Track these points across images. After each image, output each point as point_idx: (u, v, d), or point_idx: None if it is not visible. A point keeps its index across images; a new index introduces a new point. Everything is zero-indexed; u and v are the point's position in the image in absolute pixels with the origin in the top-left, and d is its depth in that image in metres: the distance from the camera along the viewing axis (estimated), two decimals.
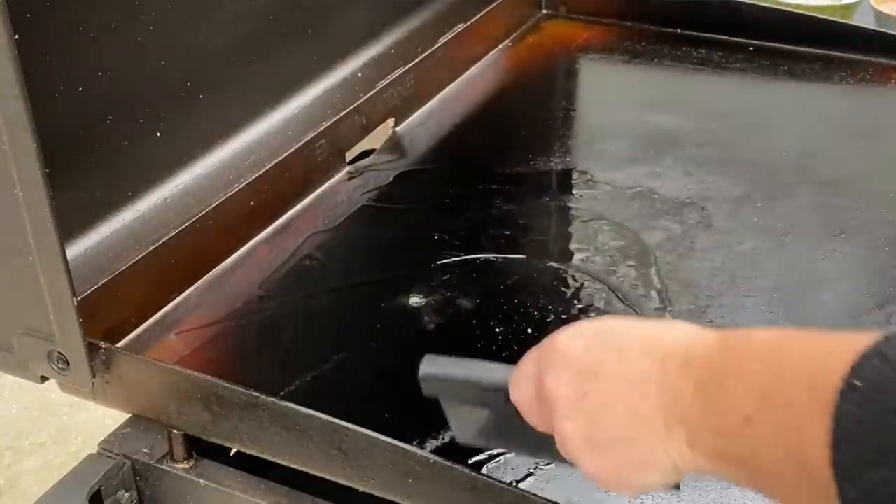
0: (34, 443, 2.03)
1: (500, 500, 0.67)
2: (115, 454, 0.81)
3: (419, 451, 0.69)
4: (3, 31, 0.63)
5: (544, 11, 1.49)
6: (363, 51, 1.20)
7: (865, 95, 1.30)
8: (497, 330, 0.90)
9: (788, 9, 1.50)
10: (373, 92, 1.16)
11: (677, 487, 0.56)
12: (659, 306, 0.93)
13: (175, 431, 0.79)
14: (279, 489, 0.78)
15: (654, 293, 0.95)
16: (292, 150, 1.05)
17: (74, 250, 0.84)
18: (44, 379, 0.80)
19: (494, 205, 1.07)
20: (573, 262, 0.99)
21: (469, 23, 1.32)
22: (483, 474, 0.71)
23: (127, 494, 0.81)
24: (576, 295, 0.95)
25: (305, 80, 1.11)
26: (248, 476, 0.79)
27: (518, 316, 0.92)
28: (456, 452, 0.70)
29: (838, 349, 0.44)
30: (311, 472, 0.74)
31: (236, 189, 0.98)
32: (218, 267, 0.97)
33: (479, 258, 0.99)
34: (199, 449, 0.80)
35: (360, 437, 0.70)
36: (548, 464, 0.77)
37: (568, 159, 1.17)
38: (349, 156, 1.14)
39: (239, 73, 1.01)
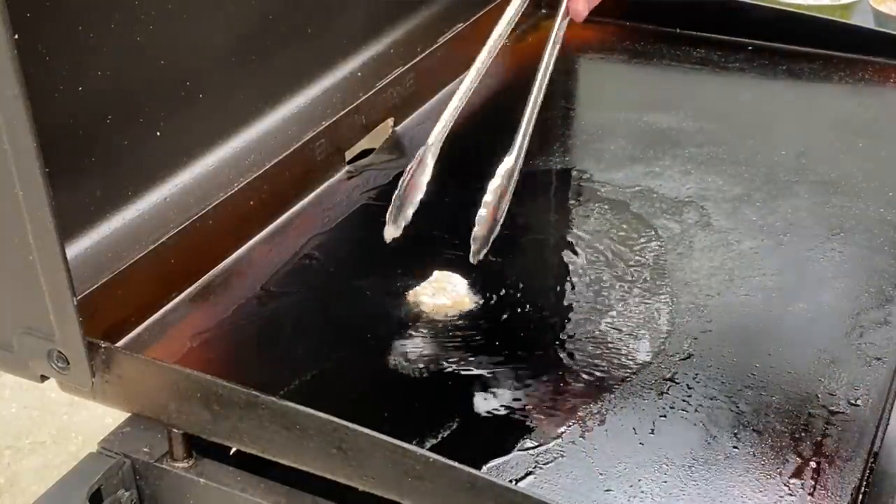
0: (34, 442, 2.03)
1: (499, 500, 0.67)
2: (115, 453, 0.81)
3: (419, 451, 0.69)
4: (3, 31, 0.63)
5: (543, 11, 1.49)
6: (363, 50, 1.20)
7: (865, 95, 1.30)
8: (497, 329, 0.91)
9: (788, 8, 1.50)
10: (372, 91, 1.16)
11: None
12: (663, 300, 0.93)
13: (175, 430, 0.79)
14: (279, 488, 0.78)
15: (658, 288, 0.95)
16: (292, 149, 1.05)
17: (74, 250, 0.84)
18: (44, 378, 0.80)
19: None
20: (573, 261, 1.00)
21: (468, 22, 1.32)
22: (483, 473, 0.71)
23: (127, 493, 0.81)
24: (576, 294, 0.95)
25: (305, 79, 1.12)
26: (247, 475, 0.79)
27: (518, 316, 0.93)
28: (456, 452, 0.70)
29: None
30: (311, 471, 0.74)
31: (236, 188, 0.98)
32: (218, 266, 0.97)
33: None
34: (199, 448, 0.80)
35: (360, 436, 0.70)
36: (547, 463, 0.77)
37: (567, 159, 1.17)
38: (349, 155, 1.14)
39: (239, 73, 1.01)
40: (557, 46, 0.99)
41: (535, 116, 0.96)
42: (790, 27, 1.36)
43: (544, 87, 0.98)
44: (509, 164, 0.92)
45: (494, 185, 0.92)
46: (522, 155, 0.94)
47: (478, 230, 0.91)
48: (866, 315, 0.92)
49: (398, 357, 0.88)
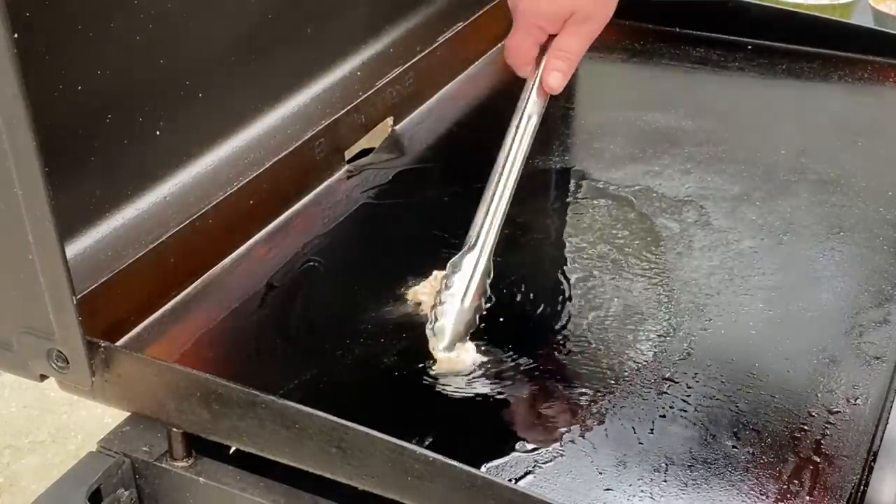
0: (34, 441, 2.03)
1: (499, 499, 0.67)
2: (115, 452, 0.81)
3: (418, 450, 0.69)
4: (3, 30, 0.63)
5: None
6: (362, 50, 1.20)
7: (864, 94, 1.30)
8: (496, 329, 0.91)
9: (787, 7, 1.50)
10: (372, 91, 1.16)
11: None
12: (662, 300, 0.93)
13: (174, 430, 0.79)
14: (278, 487, 0.78)
15: (658, 288, 0.95)
16: (291, 148, 1.05)
17: (74, 249, 0.84)
18: (43, 377, 0.80)
19: None
20: (572, 260, 1.00)
21: (468, 22, 1.32)
22: (482, 473, 0.71)
23: (126, 493, 0.81)
24: (576, 293, 0.95)
25: (304, 79, 1.12)
26: (247, 474, 0.79)
27: (518, 315, 0.93)
28: (455, 451, 0.70)
29: None
30: (311, 470, 0.74)
31: (235, 188, 0.98)
32: (217, 265, 0.97)
33: None
34: (199, 447, 0.80)
35: (359, 435, 0.70)
36: (547, 462, 0.77)
37: (566, 158, 1.17)
38: (348, 154, 1.14)
39: (238, 73, 1.01)
40: (535, 121, 0.94)
41: (506, 203, 0.92)
42: (790, 26, 1.37)
43: (518, 168, 0.93)
44: (473, 258, 0.89)
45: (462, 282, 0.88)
46: (489, 248, 0.90)
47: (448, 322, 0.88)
48: (866, 314, 0.92)
49: (397, 356, 0.88)
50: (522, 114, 0.94)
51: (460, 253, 0.90)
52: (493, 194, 0.92)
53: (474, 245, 0.90)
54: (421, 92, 1.25)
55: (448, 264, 0.90)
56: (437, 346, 0.87)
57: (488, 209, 0.92)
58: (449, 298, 0.88)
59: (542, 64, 0.94)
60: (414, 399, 0.84)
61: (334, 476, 0.73)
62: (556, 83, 0.94)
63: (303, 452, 0.73)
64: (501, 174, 0.93)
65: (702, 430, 0.80)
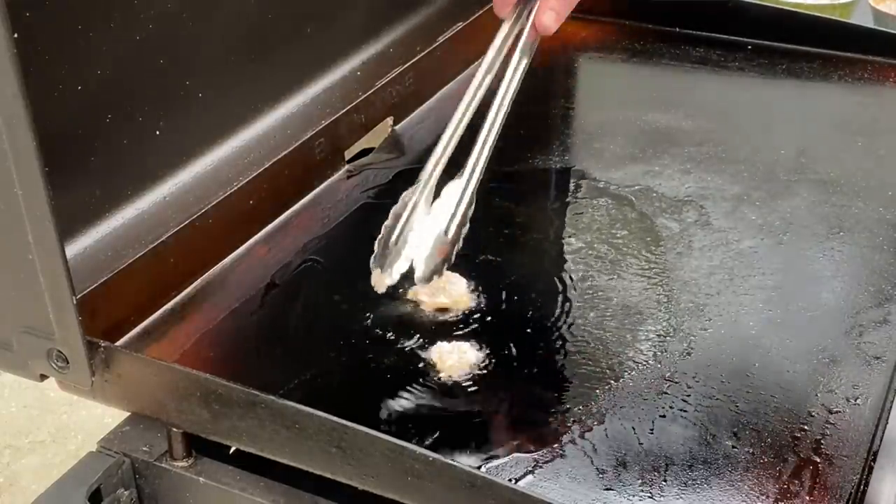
0: (33, 441, 2.03)
1: (499, 499, 0.67)
2: (115, 452, 0.81)
3: (418, 449, 0.69)
4: (3, 30, 0.63)
5: None
6: (362, 49, 1.20)
7: (864, 94, 1.30)
8: (496, 328, 0.91)
9: (787, 7, 1.50)
10: (372, 90, 1.16)
11: None
12: (662, 300, 0.93)
13: (174, 430, 0.79)
14: (278, 487, 0.78)
15: (657, 288, 0.95)
16: (291, 148, 1.05)
17: (74, 249, 0.85)
18: (43, 377, 0.80)
19: (493, 203, 1.07)
20: (572, 260, 1.00)
21: (468, 22, 1.32)
22: (482, 473, 0.71)
23: (126, 492, 0.81)
24: (575, 293, 0.95)
25: (304, 78, 1.12)
26: (247, 474, 0.79)
27: (518, 315, 0.93)
28: (455, 451, 0.70)
29: None
30: (311, 470, 0.74)
31: (235, 188, 0.98)
32: (217, 265, 0.97)
33: (477, 257, 0.99)
34: (199, 447, 0.80)
35: (359, 435, 0.70)
36: (547, 462, 0.77)
37: (566, 158, 1.17)
38: (348, 154, 1.14)
39: (238, 72, 1.01)
40: (525, 62, 0.91)
41: (493, 137, 0.89)
42: (790, 26, 1.37)
43: (507, 105, 0.90)
44: (459, 186, 0.87)
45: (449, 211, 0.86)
46: (476, 178, 0.87)
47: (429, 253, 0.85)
48: (866, 314, 0.92)
49: (397, 356, 0.88)
50: (516, 55, 0.91)
51: (412, 189, 0.88)
52: (483, 130, 0.89)
53: (461, 174, 0.87)
54: (421, 92, 1.25)
55: (401, 198, 0.88)
56: (385, 280, 0.85)
57: (476, 143, 0.89)
58: (429, 227, 0.86)
59: (536, 5, 0.91)
60: (414, 399, 0.84)
61: (334, 476, 0.73)
62: (550, 22, 0.91)
63: (303, 452, 0.73)
64: (491, 111, 0.90)
65: (702, 430, 0.80)
